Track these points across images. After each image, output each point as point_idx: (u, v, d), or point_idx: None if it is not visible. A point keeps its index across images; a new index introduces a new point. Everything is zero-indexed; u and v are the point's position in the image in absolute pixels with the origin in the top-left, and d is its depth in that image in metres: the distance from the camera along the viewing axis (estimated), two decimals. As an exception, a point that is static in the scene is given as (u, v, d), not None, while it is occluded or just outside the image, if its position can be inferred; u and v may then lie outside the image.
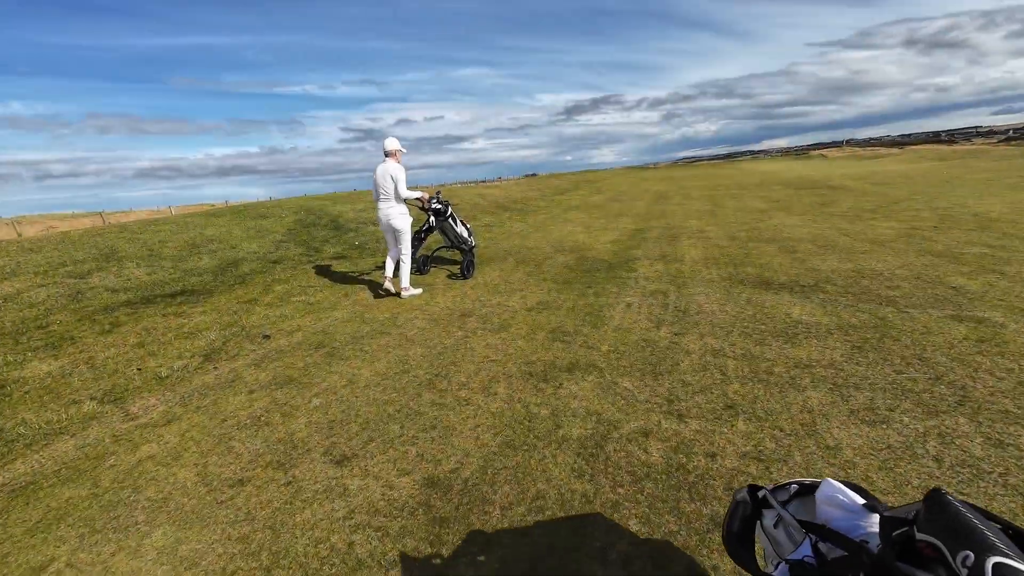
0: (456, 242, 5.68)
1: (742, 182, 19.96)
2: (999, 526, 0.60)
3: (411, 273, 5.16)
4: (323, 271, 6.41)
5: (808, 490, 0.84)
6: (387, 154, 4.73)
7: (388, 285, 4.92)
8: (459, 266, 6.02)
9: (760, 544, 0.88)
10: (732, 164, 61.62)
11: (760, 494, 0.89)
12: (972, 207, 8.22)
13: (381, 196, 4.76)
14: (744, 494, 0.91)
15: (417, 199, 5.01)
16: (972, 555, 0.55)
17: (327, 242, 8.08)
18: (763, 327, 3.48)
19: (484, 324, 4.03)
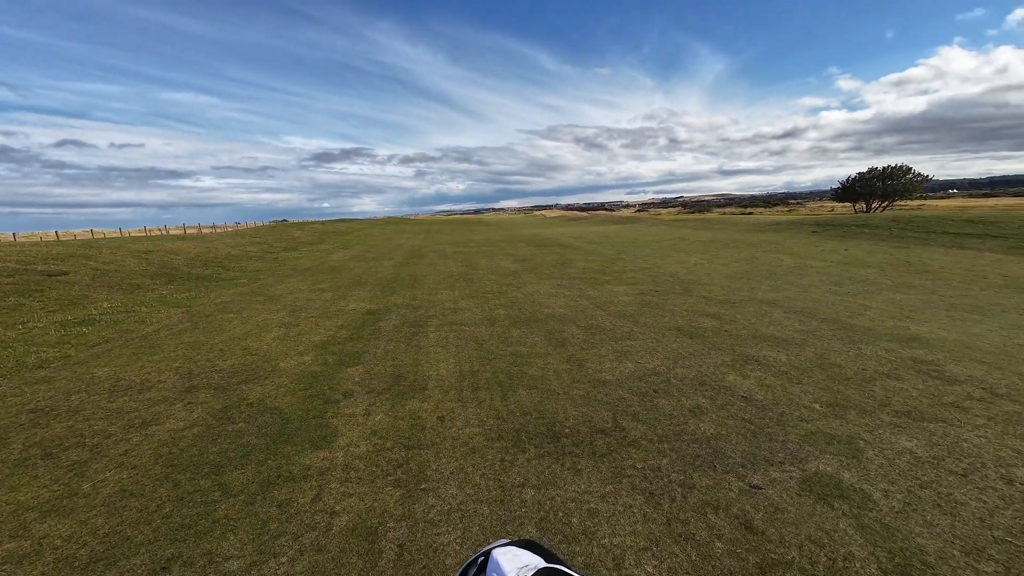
0: None
1: (491, 238, 20.96)
2: None
3: None
4: None
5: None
6: None
7: None
8: None
9: None
10: (478, 218, 69.67)
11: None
12: (662, 267, 9.64)
13: None
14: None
15: None
16: None
17: None
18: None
19: None
